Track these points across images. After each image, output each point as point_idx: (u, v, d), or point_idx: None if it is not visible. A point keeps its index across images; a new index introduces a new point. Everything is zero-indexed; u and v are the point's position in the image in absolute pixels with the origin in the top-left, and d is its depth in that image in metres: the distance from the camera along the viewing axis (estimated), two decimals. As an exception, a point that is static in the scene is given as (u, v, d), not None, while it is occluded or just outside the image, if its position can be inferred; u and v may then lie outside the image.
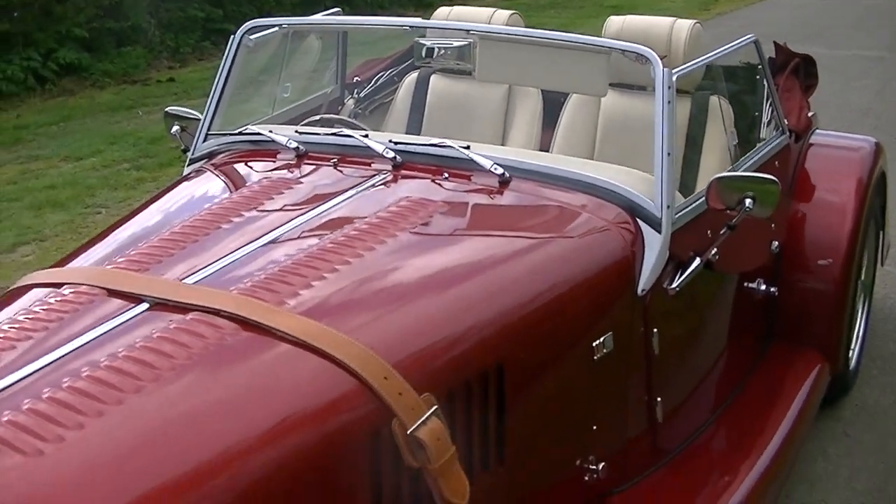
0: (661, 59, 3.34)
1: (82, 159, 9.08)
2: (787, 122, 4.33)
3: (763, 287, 3.99)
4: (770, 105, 4.23)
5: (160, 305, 2.52)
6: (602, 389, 3.03)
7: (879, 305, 5.53)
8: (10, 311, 2.63)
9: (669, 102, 3.24)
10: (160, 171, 8.56)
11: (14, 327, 2.50)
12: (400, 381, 2.38)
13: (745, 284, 3.95)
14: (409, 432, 2.35)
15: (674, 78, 3.29)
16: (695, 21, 4.20)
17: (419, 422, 2.36)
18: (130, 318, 2.48)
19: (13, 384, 2.24)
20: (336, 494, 2.34)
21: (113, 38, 12.55)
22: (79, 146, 9.47)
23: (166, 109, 4.27)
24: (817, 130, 4.75)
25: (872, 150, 4.66)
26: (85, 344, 2.38)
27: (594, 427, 3.02)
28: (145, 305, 2.53)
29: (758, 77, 4.30)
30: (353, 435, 2.35)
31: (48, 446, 2.04)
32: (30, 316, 2.55)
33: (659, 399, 3.27)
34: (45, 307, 2.58)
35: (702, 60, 3.80)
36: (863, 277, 4.79)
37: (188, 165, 3.81)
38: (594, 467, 2.99)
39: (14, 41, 11.43)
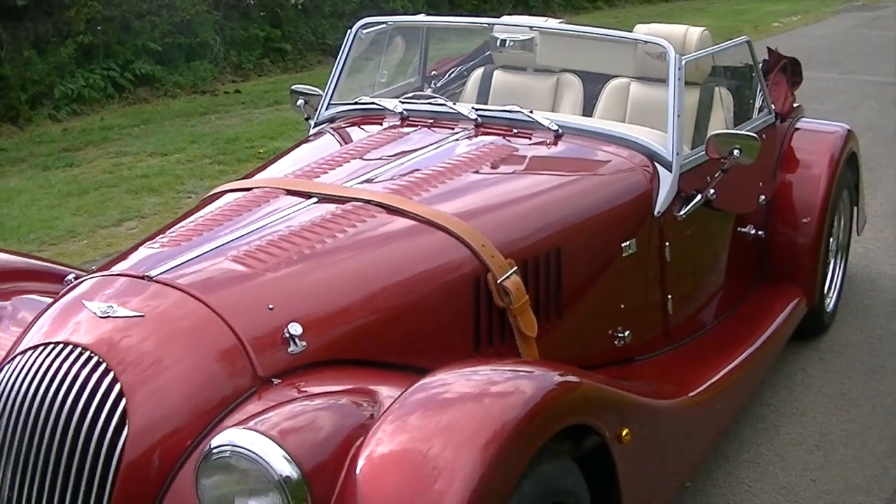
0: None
1: (167, 155, 10.24)
2: (773, 107, 5.51)
3: (753, 231, 5.16)
4: (761, 93, 5.42)
5: (326, 199, 3.70)
6: (628, 278, 4.21)
7: (860, 274, 6.74)
8: (216, 204, 3.80)
9: (679, 79, 4.42)
10: (239, 165, 9.70)
11: (224, 210, 3.67)
12: (493, 248, 3.58)
13: (739, 229, 5.12)
14: (498, 282, 3.54)
15: (683, 62, 4.47)
16: (704, 28, 5.36)
17: (505, 276, 3.56)
18: (307, 206, 3.65)
19: (236, 238, 3.40)
20: (449, 322, 3.52)
21: (183, 53, 13.79)
22: (162, 144, 10.66)
23: (292, 87, 5.39)
24: (803, 118, 5.93)
25: (844, 134, 5.87)
26: (277, 219, 3.55)
27: (622, 305, 4.19)
28: (315, 199, 3.70)
29: (753, 74, 5.47)
30: (461, 283, 3.53)
31: (262, 270, 3.21)
32: (232, 205, 3.72)
33: (670, 296, 4.44)
34: (242, 201, 3.75)
35: (705, 52, 4.98)
36: (840, 238, 6.00)
37: (313, 128, 4.98)
38: (622, 335, 4.18)
39: (96, 52, 12.70)
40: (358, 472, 2.57)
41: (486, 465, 2.54)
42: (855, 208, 6.23)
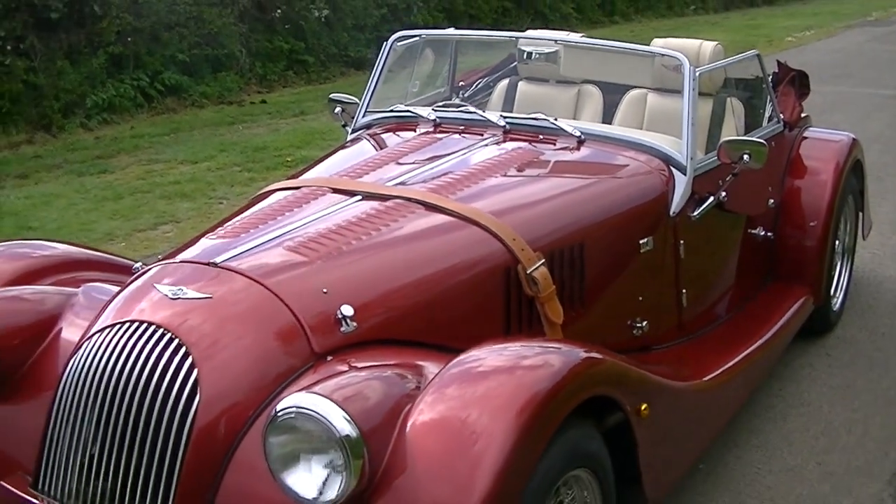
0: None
1: (198, 163, 10.61)
2: (782, 117, 5.85)
3: (763, 233, 5.49)
4: (770, 104, 5.75)
5: (369, 197, 4.03)
6: (645, 273, 4.54)
7: (866, 276, 7.07)
8: (267, 201, 4.13)
9: (693, 90, 4.75)
10: (267, 173, 10.02)
11: (276, 206, 4.01)
12: (522, 242, 3.91)
13: (749, 230, 5.44)
14: (528, 272, 3.87)
15: (696, 73, 4.80)
16: (717, 42, 5.68)
17: (534, 267, 3.89)
18: (352, 202, 3.99)
19: (290, 230, 3.72)
20: (483, 309, 3.84)
21: (210, 64, 14.21)
22: (192, 152, 11.02)
23: (331, 96, 5.73)
24: (810, 128, 6.26)
25: (849, 142, 6.21)
26: (326, 214, 3.88)
27: (640, 298, 4.52)
28: (359, 196, 4.04)
29: (763, 85, 5.80)
30: (493, 273, 3.87)
31: (315, 258, 3.54)
32: (283, 202, 4.06)
33: (684, 291, 4.78)
34: (291, 198, 4.09)
35: (717, 65, 5.32)
36: (845, 241, 6.34)
37: (351, 134, 5.32)
38: (640, 325, 4.50)
39: (126, 63, 13.12)
40: (407, 434, 2.90)
41: (519, 430, 2.87)
42: (860, 214, 6.55)
